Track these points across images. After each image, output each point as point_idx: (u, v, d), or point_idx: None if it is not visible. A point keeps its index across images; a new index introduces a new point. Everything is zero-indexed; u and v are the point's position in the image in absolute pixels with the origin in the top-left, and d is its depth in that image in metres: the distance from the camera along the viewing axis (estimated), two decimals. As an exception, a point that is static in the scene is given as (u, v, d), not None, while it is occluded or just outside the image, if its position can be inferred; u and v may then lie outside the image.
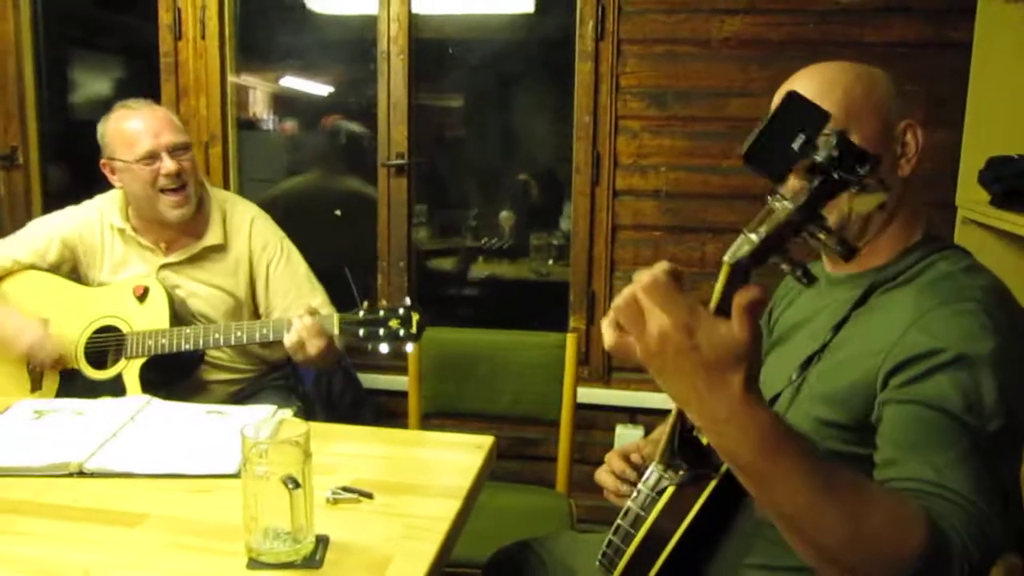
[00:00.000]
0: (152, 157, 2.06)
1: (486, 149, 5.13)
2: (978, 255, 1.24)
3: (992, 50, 2.39)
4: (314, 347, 1.89)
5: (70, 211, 2.23)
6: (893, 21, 2.52)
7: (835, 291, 1.30)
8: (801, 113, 0.84)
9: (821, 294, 1.34)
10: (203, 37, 2.85)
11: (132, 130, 2.08)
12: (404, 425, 2.46)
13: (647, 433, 2.73)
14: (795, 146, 0.82)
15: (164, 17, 2.85)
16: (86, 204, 2.24)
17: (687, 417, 1.01)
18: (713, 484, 1.17)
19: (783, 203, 0.83)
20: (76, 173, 3.55)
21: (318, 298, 2.18)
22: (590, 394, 2.71)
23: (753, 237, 0.84)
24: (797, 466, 0.86)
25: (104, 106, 2.21)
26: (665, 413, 1.63)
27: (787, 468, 0.86)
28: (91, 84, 4.36)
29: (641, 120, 2.67)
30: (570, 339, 2.31)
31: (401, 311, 1.87)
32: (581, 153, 2.70)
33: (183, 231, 2.16)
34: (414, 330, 1.87)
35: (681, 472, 1.14)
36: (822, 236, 0.84)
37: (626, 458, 1.44)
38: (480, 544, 1.75)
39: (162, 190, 2.08)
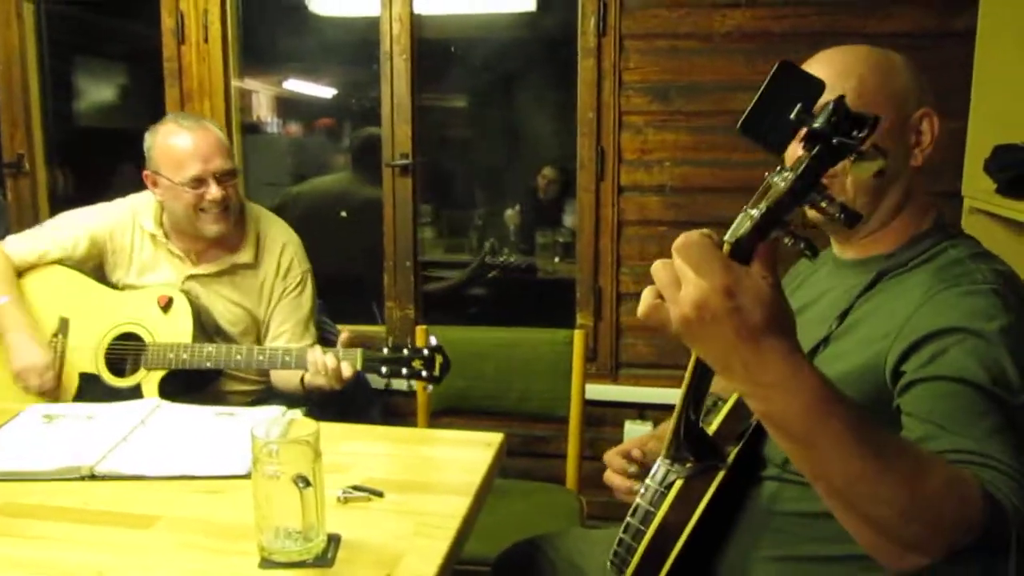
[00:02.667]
0: (199, 182, 2.04)
1: (490, 148, 5.15)
2: (985, 243, 1.24)
3: (996, 39, 2.38)
4: (331, 385, 1.90)
5: (102, 207, 2.21)
6: (896, 11, 2.51)
7: (842, 275, 1.30)
8: (796, 83, 0.83)
9: (827, 277, 1.34)
10: (206, 41, 2.86)
11: (182, 151, 2.05)
12: (413, 424, 2.46)
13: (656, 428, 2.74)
14: (792, 116, 0.81)
15: (167, 21, 2.86)
16: (119, 202, 2.22)
17: (692, 408, 1.00)
18: (721, 475, 1.17)
19: (783, 174, 0.83)
20: (82, 179, 3.57)
21: (308, 343, 2.15)
22: (598, 390, 2.71)
23: (754, 213, 0.83)
24: (849, 431, 0.81)
25: (108, 112, 2.21)
26: (673, 408, 1.63)
27: (838, 433, 0.81)
28: (96, 91, 4.38)
29: (645, 115, 2.67)
30: (577, 335, 2.31)
31: (426, 352, 1.88)
32: (585, 149, 2.70)
33: (215, 244, 2.16)
34: (437, 373, 1.89)
35: (688, 464, 1.14)
36: (823, 205, 0.82)
37: (626, 455, 1.43)
38: (491, 541, 1.75)
39: (202, 209, 2.07)
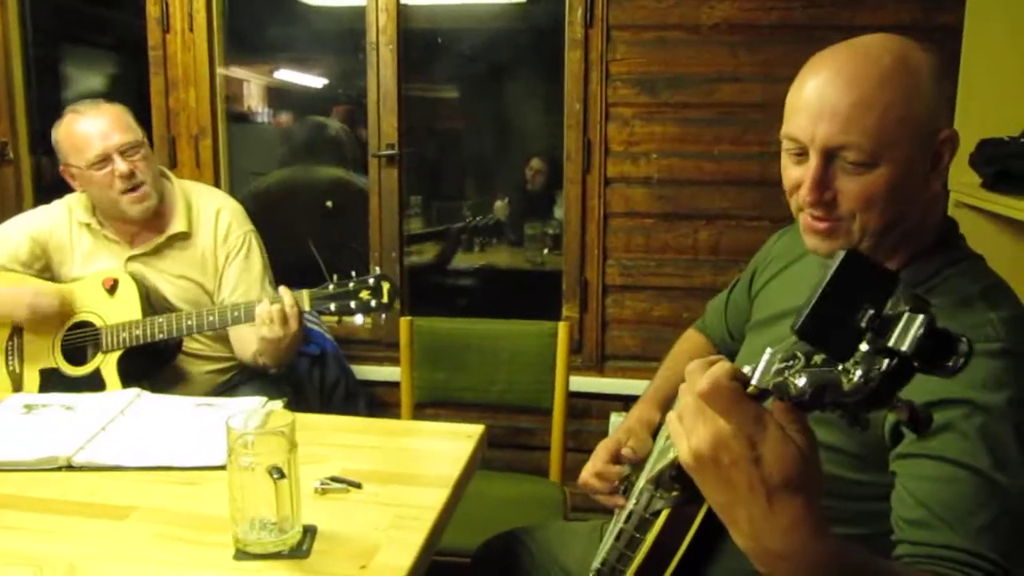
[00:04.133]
0: (104, 160, 2.06)
1: (479, 139, 5.14)
2: (971, 238, 1.20)
3: (982, 33, 2.37)
4: (281, 332, 1.88)
5: (40, 210, 2.25)
6: (884, 4, 2.50)
7: None
8: (863, 277, 0.71)
9: (813, 273, 1.27)
10: (191, 29, 2.83)
11: (81, 134, 2.07)
12: (397, 415, 2.46)
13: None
14: (862, 322, 0.68)
15: (152, 10, 2.83)
16: (55, 203, 2.25)
17: None
18: (706, 508, 1.14)
19: (849, 366, 0.69)
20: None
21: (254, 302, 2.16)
22: (583, 382, 2.70)
23: (799, 383, 0.72)
24: None
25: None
26: None
27: None
28: (82, 79, 4.35)
29: (632, 107, 2.66)
30: (562, 327, 2.31)
31: (371, 281, 1.86)
32: (572, 141, 2.69)
33: (146, 224, 2.16)
34: (385, 299, 1.86)
35: (675, 494, 1.12)
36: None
37: (615, 459, 1.42)
38: (474, 533, 1.75)
39: (121, 192, 2.07)
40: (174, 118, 2.89)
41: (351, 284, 1.87)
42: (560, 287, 2.83)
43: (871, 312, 0.68)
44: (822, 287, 0.71)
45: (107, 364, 2.02)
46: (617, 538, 1.25)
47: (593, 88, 2.64)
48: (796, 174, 1.12)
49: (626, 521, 1.22)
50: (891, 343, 0.66)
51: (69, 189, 2.27)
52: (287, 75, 4.85)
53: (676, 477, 1.09)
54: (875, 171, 1.06)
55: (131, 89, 4.77)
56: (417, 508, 1.33)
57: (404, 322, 2.37)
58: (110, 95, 2.24)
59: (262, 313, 1.88)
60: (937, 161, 1.09)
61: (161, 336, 2.00)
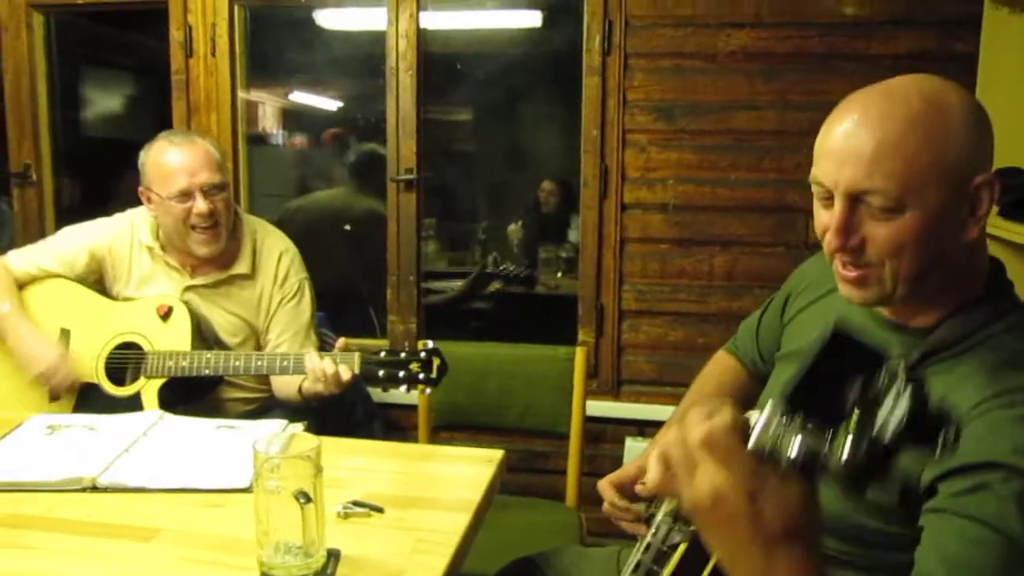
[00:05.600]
0: (186, 196, 2.07)
1: (494, 162, 5.18)
2: None
3: (998, 61, 2.39)
4: (328, 390, 1.90)
5: (101, 223, 2.25)
6: (899, 33, 2.52)
7: (873, 331, 1.16)
8: (851, 353, 0.72)
9: (850, 311, 1.21)
10: (214, 54, 2.88)
11: (169, 165, 2.08)
12: (414, 438, 2.46)
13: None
14: (851, 396, 0.70)
15: (175, 35, 2.88)
16: (118, 217, 2.26)
17: None
18: None
19: (842, 435, 0.70)
20: (88, 189, 3.59)
21: (309, 351, 2.13)
22: (599, 407, 2.71)
23: (788, 452, 0.73)
24: None
25: (116, 122, 2.24)
26: None
27: None
28: (103, 101, 4.41)
29: (648, 133, 2.68)
30: (579, 352, 2.32)
31: (423, 355, 1.88)
32: (589, 167, 2.71)
33: (210, 259, 2.17)
34: (434, 375, 1.88)
35: (692, 527, 1.12)
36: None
37: (623, 490, 1.42)
38: (491, 558, 1.74)
39: (192, 226, 2.09)
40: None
41: (402, 355, 1.88)
42: (573, 311, 2.84)
43: (859, 387, 0.69)
44: (810, 360, 0.72)
45: (149, 390, 2.02)
46: (635, 569, 1.25)
47: (610, 115, 2.66)
48: (825, 219, 1.09)
49: (644, 552, 1.23)
50: (875, 431, 0.67)
51: (93, 209, 2.29)
52: (304, 98, 4.90)
53: None
54: (903, 216, 1.02)
55: (151, 111, 4.85)
56: (439, 533, 1.34)
57: (422, 345, 2.37)
58: (131, 117, 2.27)
59: (315, 369, 1.89)
60: (975, 207, 1.04)
61: (207, 372, 2.01)
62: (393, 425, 2.84)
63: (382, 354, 1.90)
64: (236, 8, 2.88)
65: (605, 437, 2.82)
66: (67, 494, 1.46)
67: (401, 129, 2.81)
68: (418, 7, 2.74)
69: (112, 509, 1.42)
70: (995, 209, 2.22)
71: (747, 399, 1.57)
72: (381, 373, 1.89)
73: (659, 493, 0.83)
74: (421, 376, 1.88)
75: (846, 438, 0.68)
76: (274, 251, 2.24)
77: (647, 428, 2.80)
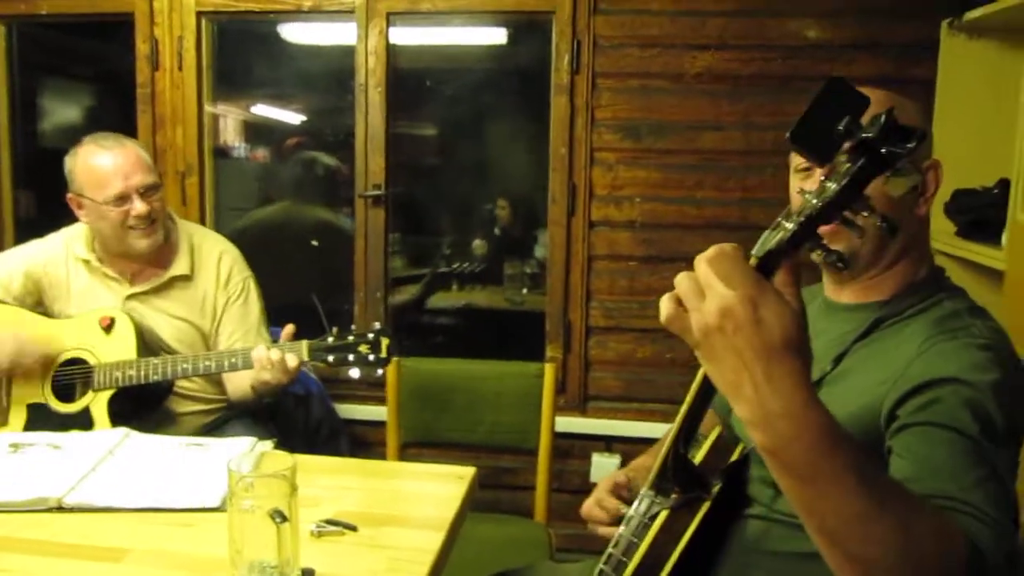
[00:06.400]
0: (122, 199, 2.05)
1: (458, 178, 5.18)
2: None
3: (955, 86, 2.46)
4: (278, 379, 1.90)
5: (34, 244, 2.23)
6: (858, 57, 2.59)
7: (836, 319, 1.30)
8: (845, 97, 0.84)
9: (820, 318, 1.33)
10: (180, 68, 2.86)
11: (102, 170, 2.06)
12: (382, 455, 2.46)
13: (623, 461, 2.75)
14: (840, 127, 0.82)
15: (141, 48, 2.86)
16: (51, 237, 2.23)
17: (683, 440, 1.02)
18: (706, 507, 1.18)
19: (825, 184, 0.84)
20: (44, 200, 3.52)
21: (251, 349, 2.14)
22: (566, 423, 2.72)
23: (788, 225, 0.84)
24: (851, 470, 0.80)
25: (74, 133, 2.20)
26: (641, 441, 1.65)
27: (840, 472, 0.80)
28: (61, 111, 4.35)
29: (616, 152, 2.72)
30: (548, 369, 2.33)
31: (371, 336, 1.88)
32: (557, 184, 2.74)
33: (149, 262, 2.16)
34: (383, 354, 1.88)
35: (673, 496, 1.16)
36: (864, 215, 0.84)
37: (619, 495, 1.44)
38: (458, 573, 1.75)
39: (131, 227, 2.08)
40: (161, 155, 2.91)
41: (351, 337, 1.89)
42: (539, 326, 2.86)
43: (848, 119, 0.82)
44: (811, 102, 0.84)
45: (97, 403, 2.00)
46: (615, 544, 1.27)
47: (578, 133, 2.69)
48: (803, 185, 1.26)
49: (625, 526, 1.25)
50: (866, 135, 0.81)
51: (49, 220, 2.26)
52: (269, 111, 4.87)
53: (679, 488, 1.12)
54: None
55: (112, 121, 4.78)
56: (413, 551, 1.34)
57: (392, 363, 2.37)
58: (90, 128, 2.24)
59: (261, 358, 1.89)
60: (926, 187, 1.23)
61: (155, 378, 1.99)
62: (360, 441, 2.83)
63: (330, 339, 1.90)
64: (204, 22, 2.86)
65: (572, 453, 2.83)
66: (34, 515, 1.43)
67: (370, 145, 2.81)
68: (388, 24, 2.75)
69: (80, 529, 1.39)
70: (954, 229, 2.28)
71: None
72: (331, 358, 1.89)
73: (670, 327, 0.85)
74: (371, 357, 1.88)
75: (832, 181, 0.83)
76: (213, 252, 2.23)
77: (614, 443, 2.82)
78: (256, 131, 4.87)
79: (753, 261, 0.83)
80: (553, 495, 2.37)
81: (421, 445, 2.47)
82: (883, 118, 0.81)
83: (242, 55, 3.49)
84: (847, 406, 1.13)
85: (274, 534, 1.17)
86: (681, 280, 0.84)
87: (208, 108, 2.98)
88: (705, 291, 0.81)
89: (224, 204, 3.33)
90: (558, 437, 2.54)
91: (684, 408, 1.00)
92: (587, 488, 2.69)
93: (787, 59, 2.61)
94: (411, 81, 3.71)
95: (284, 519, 1.17)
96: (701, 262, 0.82)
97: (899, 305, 1.23)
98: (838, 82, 0.85)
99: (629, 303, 2.77)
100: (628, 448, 2.76)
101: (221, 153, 4.38)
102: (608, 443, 2.83)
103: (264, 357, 1.89)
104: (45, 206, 3.50)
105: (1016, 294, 1.94)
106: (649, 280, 2.75)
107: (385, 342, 1.87)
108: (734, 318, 0.78)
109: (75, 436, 1.76)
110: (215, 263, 2.21)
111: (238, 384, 2.12)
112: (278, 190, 4.34)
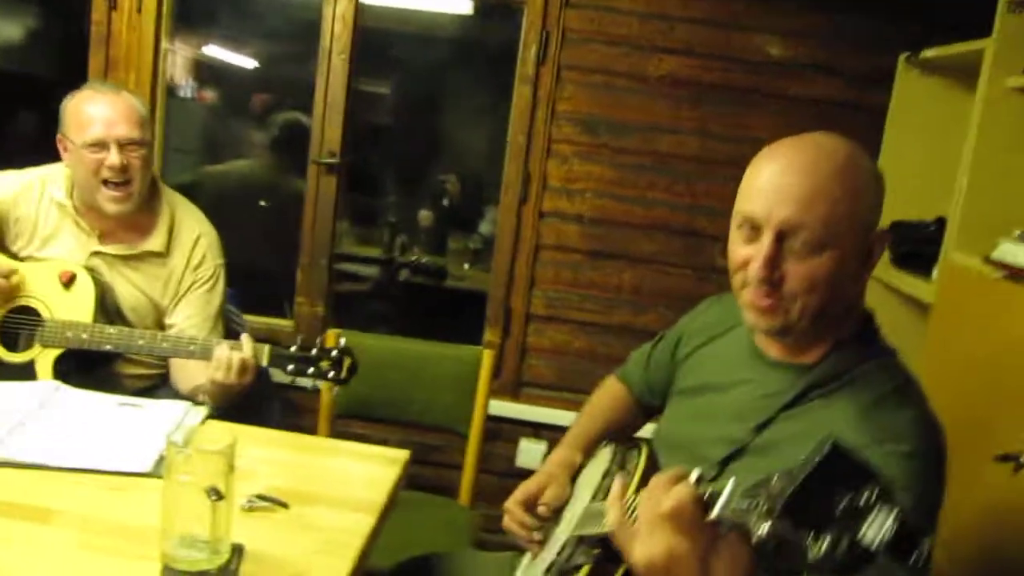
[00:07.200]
0: (100, 145, 1.99)
1: (411, 145, 5.16)
2: (878, 311, 1.30)
3: (905, 117, 2.54)
4: (230, 380, 1.86)
5: (10, 175, 2.14)
6: (817, 79, 2.65)
7: (761, 371, 1.29)
8: (843, 469, 0.78)
9: (743, 364, 1.33)
10: (139, 11, 2.78)
11: (88, 113, 2.01)
12: (312, 423, 2.46)
13: (549, 448, 2.81)
14: (838, 508, 0.75)
15: (100, -15, 2.77)
16: (29, 171, 2.15)
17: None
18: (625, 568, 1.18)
19: (808, 536, 0.76)
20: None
21: (216, 339, 2.06)
22: (497, 406, 2.74)
23: (759, 529, 0.78)
24: None
25: (14, 55, 2.10)
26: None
27: None
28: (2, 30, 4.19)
29: (573, 145, 2.74)
30: (486, 355, 2.36)
31: (334, 353, 1.87)
32: (512, 172, 2.75)
33: (124, 226, 2.10)
34: (344, 375, 1.87)
35: (596, 551, 1.18)
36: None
37: (530, 509, 1.46)
38: (384, 553, 1.77)
39: (104, 181, 2.01)
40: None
41: (313, 351, 1.87)
42: (480, 307, 2.89)
43: (847, 502, 0.75)
44: (805, 469, 0.77)
45: (44, 358, 1.94)
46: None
47: (538, 123, 2.71)
48: (745, 252, 1.19)
49: (547, 571, 1.27)
50: (861, 536, 0.73)
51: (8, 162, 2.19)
52: (220, 53, 4.75)
53: (603, 546, 1.14)
54: (821, 256, 1.14)
55: (54, 46, 4.60)
56: (344, 533, 1.36)
57: (331, 333, 2.37)
58: (28, 50, 2.15)
59: (220, 357, 1.85)
60: (868, 256, 1.20)
61: (107, 348, 1.95)
62: (292, 406, 2.82)
63: (292, 349, 1.88)
64: (168, -35, 2.79)
65: (501, 436, 2.87)
66: (-43, 465, 1.42)
67: (328, 111, 2.78)
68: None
69: (5, 486, 1.38)
70: (889, 256, 2.36)
71: (633, 427, 1.67)
72: (290, 367, 1.88)
73: (614, 540, 0.92)
74: (330, 374, 1.87)
75: (823, 540, 0.74)
76: (192, 232, 2.17)
77: (543, 430, 2.87)
78: (205, 71, 4.74)
79: (713, 516, 0.85)
80: (479, 476, 2.41)
81: (353, 417, 2.48)
82: (893, 525, 0.73)
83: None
84: None
85: (208, 509, 1.18)
86: (644, 505, 0.89)
87: (166, 45, 2.89)
88: (659, 528, 0.86)
89: (169, 146, 3.25)
90: (488, 420, 2.58)
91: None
92: (512, 472, 2.77)
93: (748, 72, 2.66)
94: (373, 39, 3.67)
95: (220, 497, 1.17)
96: (663, 512, 0.86)
97: (827, 370, 1.21)
98: (839, 451, 0.78)
99: (570, 295, 2.81)
100: (556, 435, 2.80)
101: (167, 92, 4.27)
102: (537, 429, 2.88)
103: (224, 357, 1.84)
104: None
105: (941, 329, 2.03)
106: (592, 275, 2.79)
107: (347, 362, 1.87)
108: (682, 568, 0.85)
109: (5, 386, 1.73)
110: (191, 244, 2.16)
111: (187, 378, 2.07)
112: (238, 146, 4.25)
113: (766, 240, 1.15)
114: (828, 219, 1.12)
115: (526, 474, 2.57)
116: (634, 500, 1.10)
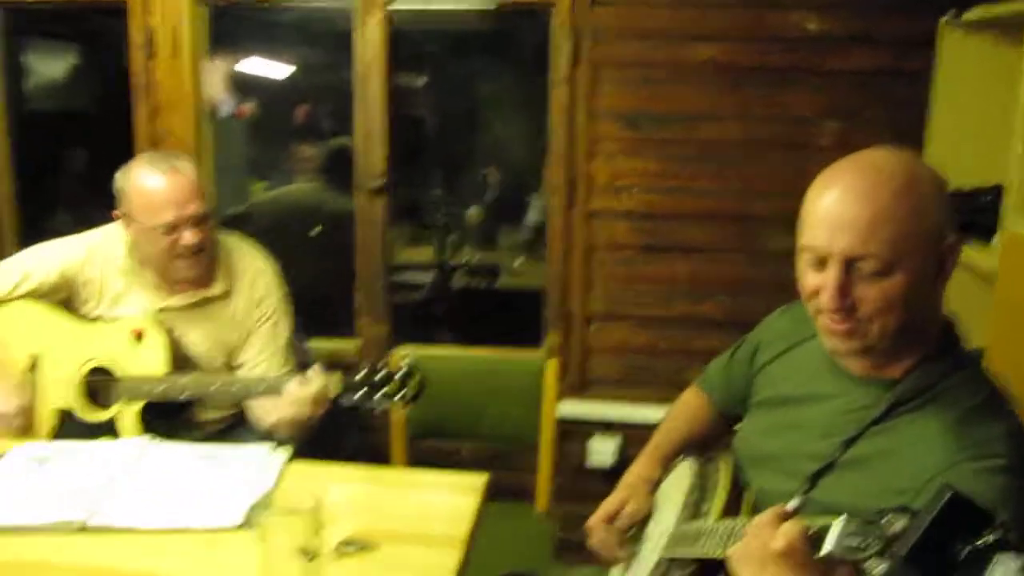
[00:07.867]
0: (173, 228, 2.02)
1: (457, 146, 5.21)
2: None
3: (952, 80, 2.47)
4: (308, 413, 1.88)
5: (73, 239, 2.19)
6: (854, 50, 2.61)
7: (845, 387, 1.28)
8: (963, 515, 0.79)
9: (825, 378, 1.32)
10: (174, 56, 2.83)
11: (155, 196, 2.01)
12: (386, 440, 2.48)
13: (623, 443, 2.84)
14: (961, 555, 0.77)
15: (135, 37, 2.82)
16: (89, 233, 2.20)
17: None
18: None
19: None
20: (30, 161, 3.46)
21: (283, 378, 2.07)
22: (564, 407, 2.78)
23: (874, 570, 0.83)
24: None
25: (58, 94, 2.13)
26: (639, 428, 1.65)
27: None
28: (45, 71, 4.30)
29: (615, 142, 2.74)
30: (551, 363, 2.36)
31: (398, 376, 1.87)
32: (557, 176, 2.76)
33: (188, 281, 2.15)
34: (411, 394, 1.87)
35: (690, 569, 1.21)
36: None
37: (610, 523, 1.49)
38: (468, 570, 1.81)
39: (178, 255, 2.05)
40: (161, 142, 2.89)
41: (378, 376, 1.87)
42: (537, 306, 2.92)
43: (968, 548, 0.77)
44: (926, 518, 0.80)
45: (125, 413, 2.02)
46: None
47: (578, 125, 2.71)
48: (815, 281, 1.19)
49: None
50: None
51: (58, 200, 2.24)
52: (256, 65, 4.81)
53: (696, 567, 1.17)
54: (892, 278, 1.14)
55: (93, 79, 4.70)
56: (433, 569, 1.40)
57: (396, 355, 2.42)
58: (71, 88, 2.19)
59: (291, 392, 1.87)
60: (941, 267, 1.18)
61: (183, 397, 2.01)
62: (364, 424, 2.86)
63: (360, 376, 1.90)
64: (199, 9, 2.84)
65: (570, 435, 2.89)
66: (58, 536, 1.48)
67: (369, 140, 2.81)
68: (389, 23, 2.74)
69: (105, 551, 1.45)
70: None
71: (714, 437, 1.66)
72: (357, 396, 1.87)
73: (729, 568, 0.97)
74: (397, 397, 1.87)
75: None
76: (250, 269, 2.21)
77: (611, 429, 2.89)
78: (242, 85, 4.79)
79: (823, 553, 0.89)
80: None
81: (426, 436, 2.52)
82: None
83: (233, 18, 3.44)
84: (859, 499, 1.13)
85: (303, 568, 1.24)
86: (750, 541, 0.97)
87: (209, 63, 2.96)
88: (771, 566, 0.92)
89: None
90: (559, 422, 2.60)
91: None
92: (583, 470, 2.80)
93: (785, 51, 2.62)
94: (410, 41, 3.69)
95: (313, 558, 1.23)
96: (775, 549, 0.93)
97: (913, 385, 1.20)
98: (958, 501, 0.80)
99: (626, 291, 2.82)
100: (627, 431, 2.84)
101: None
102: (607, 425, 2.90)
103: (295, 392, 1.86)
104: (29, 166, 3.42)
105: (1007, 300, 1.99)
106: (645, 269, 2.80)
107: (413, 381, 1.86)
108: None
109: (96, 448, 1.80)
110: (250, 281, 2.20)
111: (263, 417, 2.09)
112: (283, 160, 4.28)
113: (833, 271, 1.15)
114: (894, 242, 1.12)
115: (597, 473, 2.59)
116: (732, 525, 1.14)
